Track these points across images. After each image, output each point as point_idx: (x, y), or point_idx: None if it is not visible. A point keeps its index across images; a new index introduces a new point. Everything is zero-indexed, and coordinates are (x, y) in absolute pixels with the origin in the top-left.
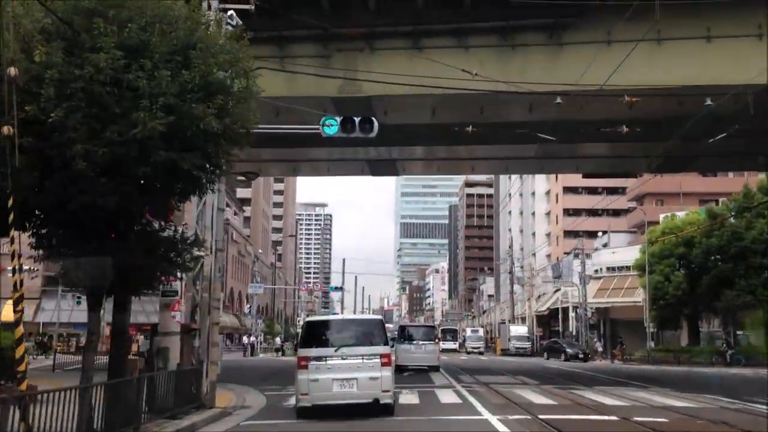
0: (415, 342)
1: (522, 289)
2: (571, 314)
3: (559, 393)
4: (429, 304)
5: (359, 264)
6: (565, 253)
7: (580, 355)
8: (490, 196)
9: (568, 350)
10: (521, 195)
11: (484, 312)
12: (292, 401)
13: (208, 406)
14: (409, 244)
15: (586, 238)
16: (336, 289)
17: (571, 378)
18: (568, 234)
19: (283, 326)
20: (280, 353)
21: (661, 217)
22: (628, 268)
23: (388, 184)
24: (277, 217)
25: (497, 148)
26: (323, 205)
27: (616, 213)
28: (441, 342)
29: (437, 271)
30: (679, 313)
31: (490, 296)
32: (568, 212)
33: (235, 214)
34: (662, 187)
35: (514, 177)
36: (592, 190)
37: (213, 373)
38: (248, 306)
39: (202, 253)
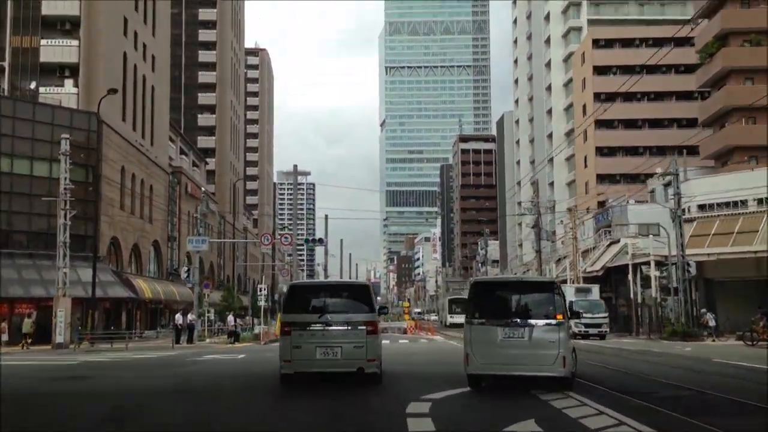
0: (510, 322)
1: (549, 246)
2: (654, 273)
3: None
4: (419, 274)
5: (345, 232)
6: (596, 205)
7: None
8: (488, 151)
9: None
10: (532, 141)
11: None
12: None
13: None
14: (395, 212)
15: (626, 182)
16: (313, 241)
17: None
18: (602, 178)
19: (251, 298)
20: (232, 339)
21: None
22: (736, 204)
23: (373, 149)
24: (251, 178)
25: None
26: (306, 174)
27: (661, 151)
28: (450, 316)
29: (427, 239)
30: None
31: (495, 262)
32: (601, 151)
33: (194, 165)
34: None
35: (523, 126)
36: (630, 123)
37: None
38: (186, 269)
39: None
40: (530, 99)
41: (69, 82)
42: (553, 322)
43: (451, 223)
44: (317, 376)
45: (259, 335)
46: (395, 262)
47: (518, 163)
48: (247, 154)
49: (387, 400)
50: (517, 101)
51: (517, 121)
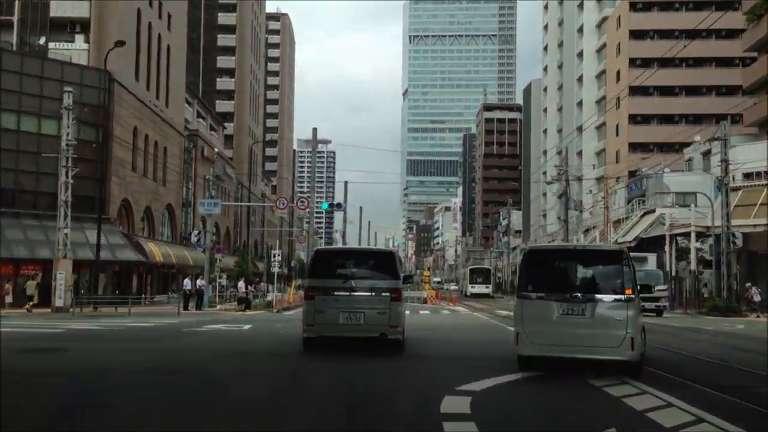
0: (569, 297)
1: (575, 216)
2: (694, 244)
3: None
4: (438, 243)
5: (364, 201)
6: (626, 175)
7: None
8: (512, 121)
9: None
10: (560, 109)
11: (514, 249)
12: None
13: None
14: (416, 182)
15: (660, 151)
16: (331, 206)
17: None
18: (635, 147)
19: (266, 264)
20: (243, 306)
21: None
22: None
23: (395, 119)
24: (271, 144)
25: None
26: (326, 142)
27: (698, 119)
28: (471, 286)
29: (448, 208)
30: None
31: (517, 232)
32: (634, 119)
33: (212, 129)
34: None
35: (552, 94)
36: (667, 90)
37: None
38: (196, 233)
39: None
40: (560, 66)
41: (80, 38)
42: (622, 297)
43: (473, 193)
44: (334, 355)
45: (272, 302)
46: (414, 231)
47: (545, 131)
48: (267, 120)
49: (414, 391)
50: (545, 68)
51: (545, 89)
